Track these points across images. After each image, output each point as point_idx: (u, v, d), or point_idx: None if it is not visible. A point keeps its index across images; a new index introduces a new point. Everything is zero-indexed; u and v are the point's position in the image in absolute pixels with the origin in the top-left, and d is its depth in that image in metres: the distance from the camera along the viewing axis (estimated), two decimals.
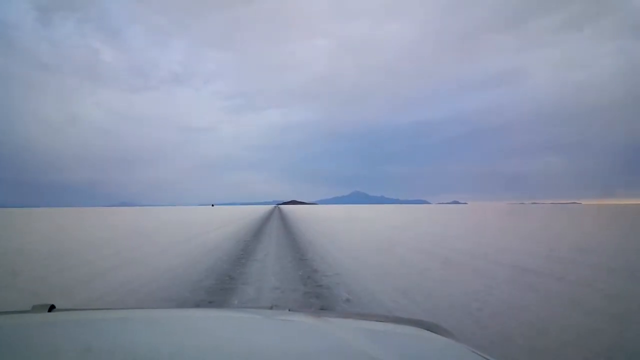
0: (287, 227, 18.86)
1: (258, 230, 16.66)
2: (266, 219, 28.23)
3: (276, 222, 23.71)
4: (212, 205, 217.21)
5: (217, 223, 23.24)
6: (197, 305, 4.57)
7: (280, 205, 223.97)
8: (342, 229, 17.83)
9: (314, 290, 5.21)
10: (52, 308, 1.24)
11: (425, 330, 1.19)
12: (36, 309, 1.23)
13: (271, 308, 1.36)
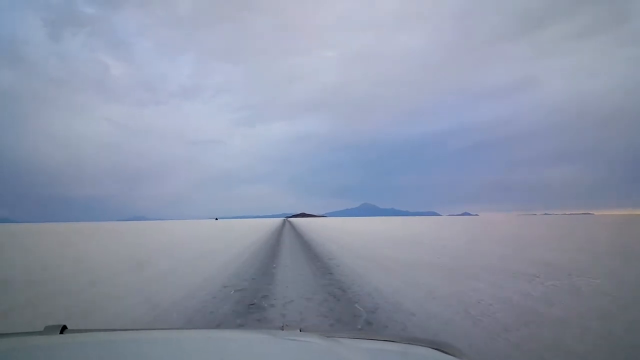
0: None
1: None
2: (275, 243, 16.94)
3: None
4: (216, 219, 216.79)
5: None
6: (209, 326, 4.52)
7: (289, 218, 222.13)
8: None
9: None
10: (64, 329, 1.27)
11: (439, 352, 1.20)
12: (48, 329, 1.26)
13: (282, 328, 1.36)
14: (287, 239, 20.80)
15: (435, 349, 1.21)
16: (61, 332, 1.25)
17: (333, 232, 28.68)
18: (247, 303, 5.41)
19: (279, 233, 26.96)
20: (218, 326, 4.48)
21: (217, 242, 19.39)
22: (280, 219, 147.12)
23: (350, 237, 21.53)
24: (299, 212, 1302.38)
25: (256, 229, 34.92)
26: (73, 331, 1.28)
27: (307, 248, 14.22)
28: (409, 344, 1.28)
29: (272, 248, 14.63)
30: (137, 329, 1.49)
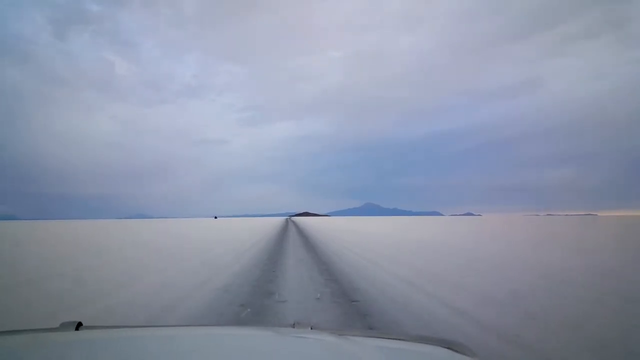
0: None
1: None
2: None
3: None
4: (215, 218, 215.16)
5: None
6: (223, 323, 4.59)
7: (293, 217, 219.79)
8: None
9: None
10: (79, 325, 1.28)
11: (450, 350, 1.19)
12: (64, 326, 1.27)
13: (293, 326, 1.35)
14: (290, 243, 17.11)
15: (446, 347, 1.22)
16: (76, 329, 1.28)
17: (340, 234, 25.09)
18: None
19: (282, 234, 23.18)
20: (230, 324, 4.55)
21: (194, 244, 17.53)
22: (283, 218, 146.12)
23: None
24: (302, 211, 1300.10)
25: (252, 230, 32.59)
26: (88, 328, 1.31)
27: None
28: (419, 342, 1.29)
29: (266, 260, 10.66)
30: (151, 326, 1.56)
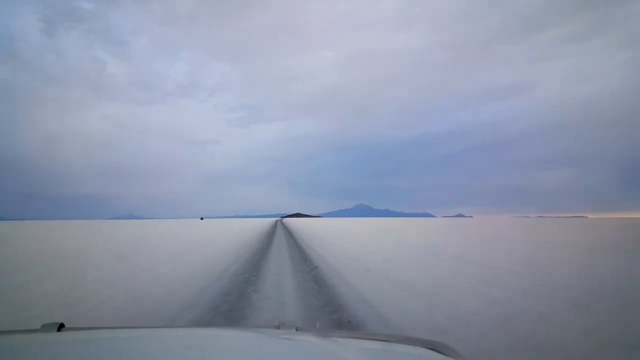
0: None
1: None
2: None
3: None
4: (201, 219, 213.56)
5: None
6: (208, 324, 4.45)
7: (284, 218, 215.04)
8: None
9: None
10: (61, 327, 1.24)
11: (435, 352, 1.16)
12: (45, 327, 1.24)
13: (278, 327, 1.31)
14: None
15: (431, 349, 1.19)
16: (58, 330, 1.25)
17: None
18: None
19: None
20: (214, 325, 4.44)
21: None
22: (273, 219, 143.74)
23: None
24: (294, 212, 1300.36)
25: (236, 232, 30.90)
26: (70, 329, 1.27)
27: None
28: (404, 343, 1.28)
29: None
30: (133, 327, 1.46)
